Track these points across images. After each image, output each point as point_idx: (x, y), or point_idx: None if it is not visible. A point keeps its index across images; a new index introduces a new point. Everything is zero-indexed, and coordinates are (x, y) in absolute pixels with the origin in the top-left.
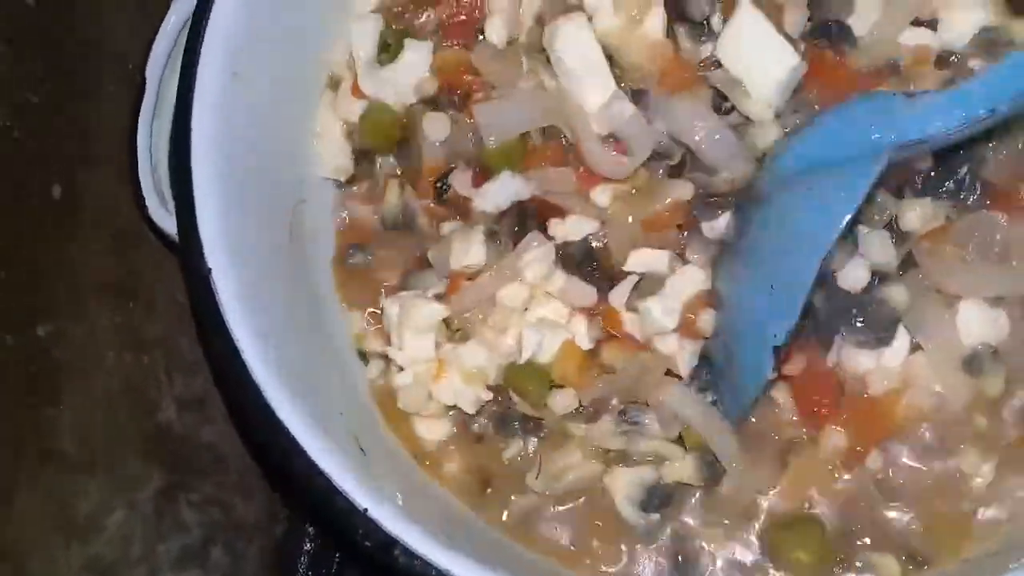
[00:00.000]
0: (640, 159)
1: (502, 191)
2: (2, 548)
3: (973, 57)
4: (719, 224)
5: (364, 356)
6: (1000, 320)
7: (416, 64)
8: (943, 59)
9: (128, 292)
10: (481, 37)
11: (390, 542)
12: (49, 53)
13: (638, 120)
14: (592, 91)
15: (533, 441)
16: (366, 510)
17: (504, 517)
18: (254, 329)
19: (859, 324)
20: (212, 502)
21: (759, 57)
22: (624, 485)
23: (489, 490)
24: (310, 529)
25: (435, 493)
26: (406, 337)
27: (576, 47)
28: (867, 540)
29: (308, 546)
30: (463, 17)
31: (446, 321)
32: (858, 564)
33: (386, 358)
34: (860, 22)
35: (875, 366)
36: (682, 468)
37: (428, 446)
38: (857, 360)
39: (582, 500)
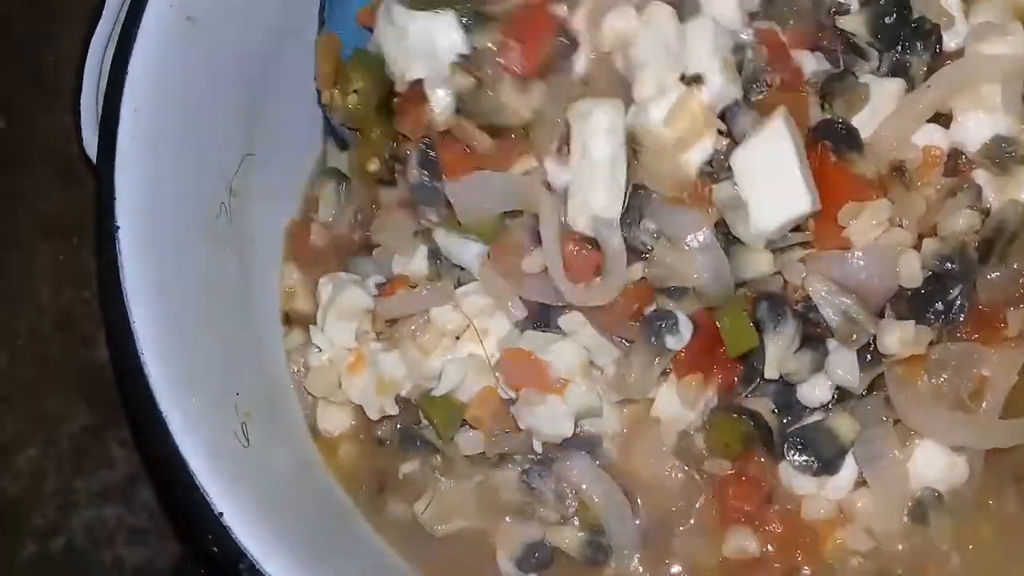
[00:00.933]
0: (614, 288)
1: (467, 252)
2: None
3: (981, 166)
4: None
5: (289, 320)
6: (958, 467)
7: None
8: (951, 161)
9: (72, 229)
10: None
11: (238, 554)
12: None
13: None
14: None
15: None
16: (221, 514)
17: (389, 525)
18: (154, 299)
19: (806, 446)
20: None
21: (774, 188)
22: (508, 540)
23: (382, 495)
24: None
25: (322, 487)
26: (330, 318)
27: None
28: None
29: None
30: None
31: (376, 317)
32: None
33: (308, 331)
34: (871, 121)
35: (815, 492)
36: (569, 538)
37: (326, 433)
38: (798, 481)
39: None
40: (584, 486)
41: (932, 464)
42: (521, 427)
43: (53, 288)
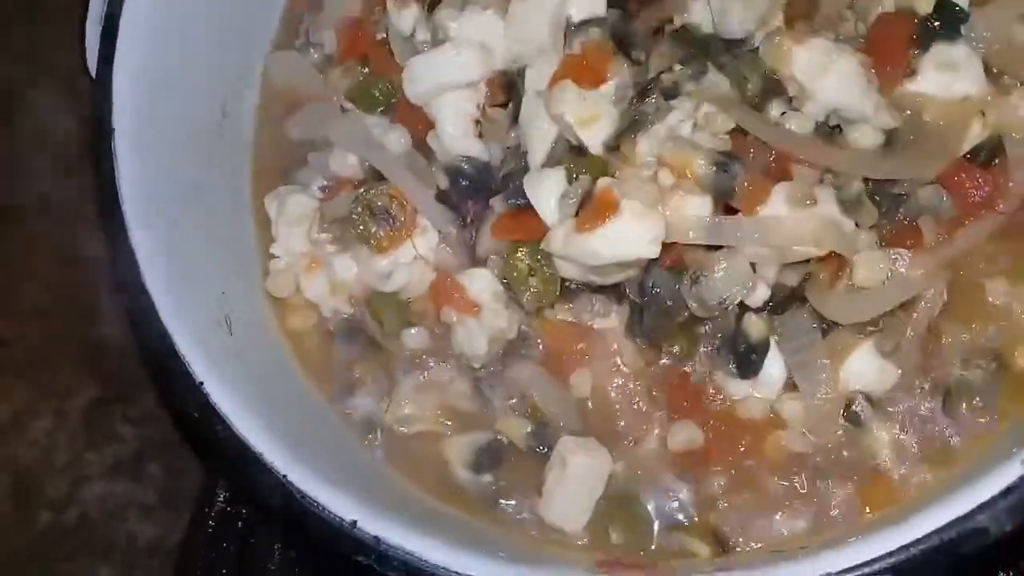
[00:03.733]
0: None
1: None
2: None
3: None
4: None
5: None
6: (888, 371)
7: None
8: None
9: (72, 209)
10: None
11: (215, 417)
12: None
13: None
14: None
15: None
16: (202, 384)
17: (357, 423)
18: (147, 198)
19: (724, 348)
20: (152, 418)
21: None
22: (458, 448)
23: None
24: None
25: (296, 383)
26: (282, 228)
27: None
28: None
29: None
30: None
31: (324, 219)
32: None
33: None
34: None
35: (746, 394)
36: (517, 429)
37: (291, 332)
38: (730, 384)
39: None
40: (532, 391)
41: (863, 371)
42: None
43: (54, 265)
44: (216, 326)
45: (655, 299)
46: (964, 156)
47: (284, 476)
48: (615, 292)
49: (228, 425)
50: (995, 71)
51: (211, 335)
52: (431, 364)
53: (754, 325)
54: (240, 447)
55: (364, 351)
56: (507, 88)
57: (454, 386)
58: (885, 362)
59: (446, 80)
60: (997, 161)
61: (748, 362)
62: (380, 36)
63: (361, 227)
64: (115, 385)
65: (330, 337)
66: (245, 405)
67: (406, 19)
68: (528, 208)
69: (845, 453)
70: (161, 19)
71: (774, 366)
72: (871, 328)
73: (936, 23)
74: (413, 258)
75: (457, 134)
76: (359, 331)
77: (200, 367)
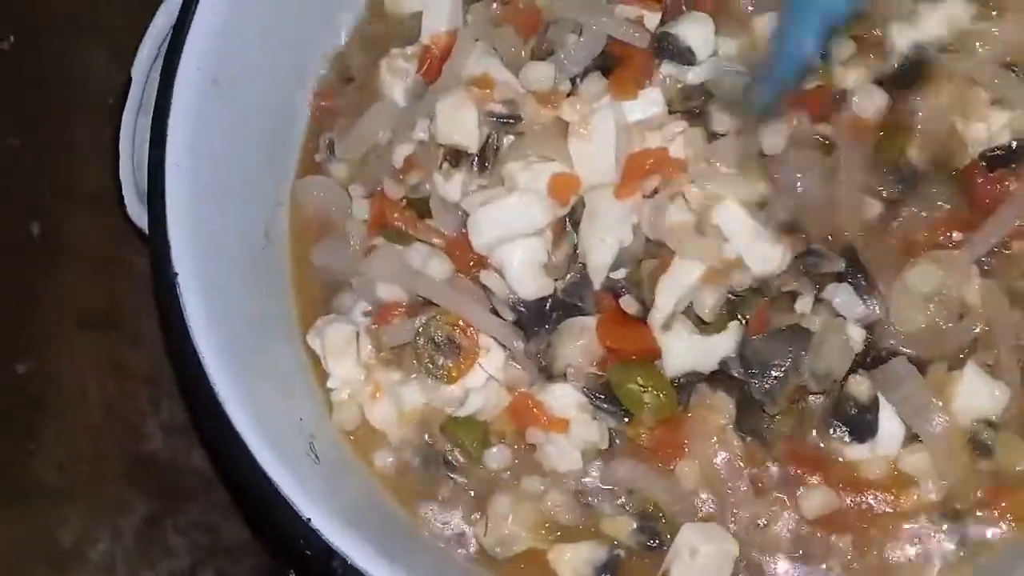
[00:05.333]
0: None
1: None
2: None
3: None
4: None
5: None
6: (1000, 390)
7: None
8: None
9: (111, 323)
10: None
11: (330, 553)
12: (27, 94)
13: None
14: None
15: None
16: (309, 520)
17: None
18: (216, 333)
19: (835, 418)
20: (199, 526)
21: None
22: (570, 565)
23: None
24: None
25: (383, 507)
26: (330, 361)
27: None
28: None
29: None
30: None
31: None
32: None
33: None
34: None
35: (869, 454)
36: (623, 527)
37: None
38: (847, 451)
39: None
40: (640, 487)
41: (975, 395)
42: (543, 468)
43: (98, 382)
44: (305, 457)
45: (762, 369)
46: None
47: None
48: (716, 381)
49: (345, 560)
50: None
51: (304, 466)
52: (516, 480)
53: (859, 384)
54: None
55: (444, 475)
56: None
57: (550, 497)
58: (993, 382)
59: (514, 229)
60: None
61: (863, 424)
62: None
63: (428, 362)
64: (162, 499)
65: (406, 464)
66: (355, 535)
67: (455, 186)
68: (630, 319)
69: (985, 483)
70: (199, 156)
71: (889, 421)
72: (963, 352)
73: None
74: (486, 380)
75: (526, 280)
76: (435, 455)
77: (302, 501)
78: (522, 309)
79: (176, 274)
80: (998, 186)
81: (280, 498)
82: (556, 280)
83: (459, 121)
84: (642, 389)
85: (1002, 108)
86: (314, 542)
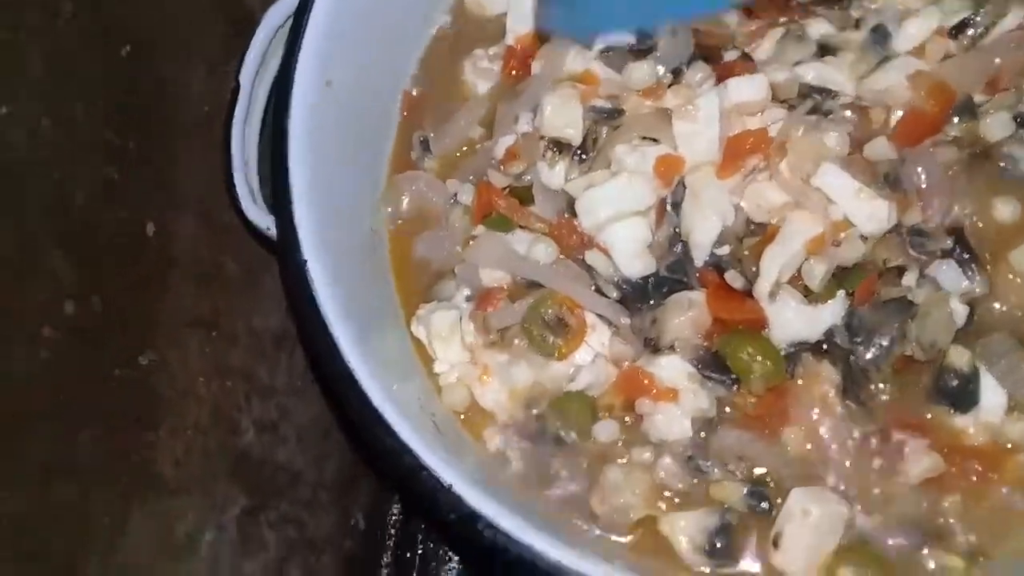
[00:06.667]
0: None
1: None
2: (118, 571)
3: None
4: None
5: None
6: None
7: None
8: None
9: (211, 324)
10: None
11: (474, 516)
12: (140, 102)
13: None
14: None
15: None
16: (451, 486)
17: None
18: (344, 314)
19: (938, 390)
20: (287, 520)
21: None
22: (684, 532)
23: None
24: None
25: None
26: (436, 346)
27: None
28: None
29: (386, 558)
30: None
31: (488, 329)
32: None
33: None
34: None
35: (972, 423)
36: (732, 492)
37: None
38: (953, 420)
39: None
40: (748, 453)
41: None
42: (651, 438)
43: (205, 380)
44: (434, 432)
45: (867, 338)
46: None
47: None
48: (822, 351)
49: (493, 526)
50: None
51: (435, 441)
52: (626, 450)
53: (960, 355)
54: (512, 543)
55: (554, 449)
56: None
57: (661, 466)
58: None
59: (622, 209)
60: None
61: (965, 394)
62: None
63: (540, 339)
64: (258, 494)
65: (515, 439)
66: (492, 500)
67: (558, 174)
68: (736, 292)
69: None
70: (316, 153)
71: (991, 390)
72: None
73: None
74: (593, 356)
75: (632, 259)
76: (546, 432)
77: (443, 470)
78: (626, 287)
79: (305, 261)
80: None
81: (423, 470)
82: (659, 259)
83: (565, 114)
84: (752, 358)
85: None
86: (457, 507)
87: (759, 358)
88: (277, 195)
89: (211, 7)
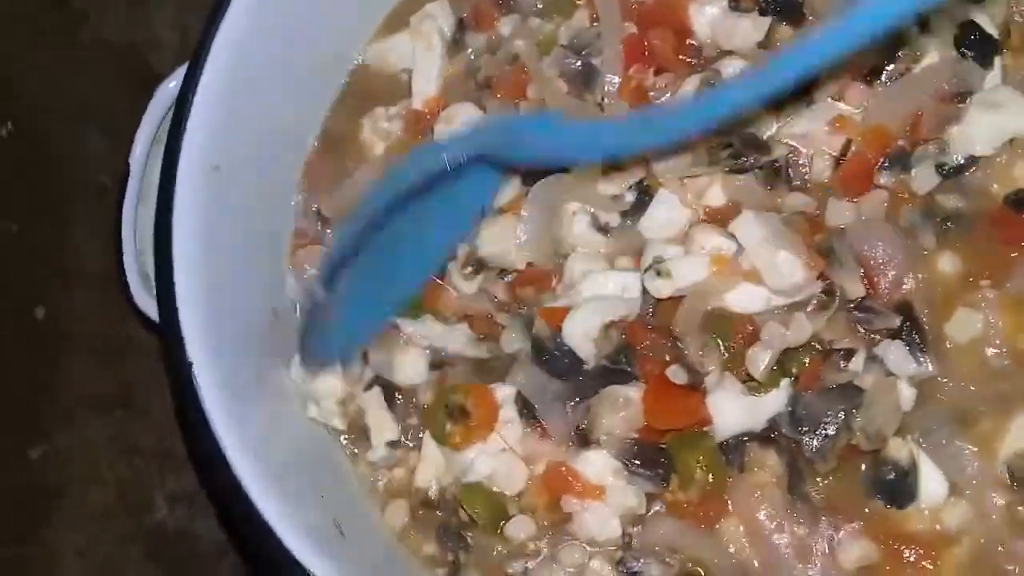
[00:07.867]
0: None
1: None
2: None
3: None
4: None
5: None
6: None
7: None
8: None
9: (119, 402)
10: None
11: None
12: (25, 181)
13: None
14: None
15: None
16: None
17: None
18: (233, 416)
19: (874, 488)
20: None
21: None
22: None
23: None
24: None
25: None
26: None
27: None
28: None
29: None
30: None
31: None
32: None
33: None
34: None
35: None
36: None
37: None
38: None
39: None
40: (683, 547)
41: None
42: (578, 535)
43: (108, 462)
44: (331, 528)
45: (812, 427)
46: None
47: None
48: (768, 439)
49: None
50: None
51: (334, 547)
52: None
53: (899, 448)
54: None
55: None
56: None
57: (592, 567)
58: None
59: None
60: None
61: (903, 488)
62: None
63: (440, 425)
64: (175, 568)
65: (431, 531)
66: None
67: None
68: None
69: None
70: (204, 244)
71: (932, 478)
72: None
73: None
74: (500, 449)
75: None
76: (447, 526)
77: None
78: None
79: (191, 363)
80: None
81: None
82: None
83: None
84: (699, 466)
85: None
86: None
87: (704, 468)
88: (161, 297)
89: (115, 71)
